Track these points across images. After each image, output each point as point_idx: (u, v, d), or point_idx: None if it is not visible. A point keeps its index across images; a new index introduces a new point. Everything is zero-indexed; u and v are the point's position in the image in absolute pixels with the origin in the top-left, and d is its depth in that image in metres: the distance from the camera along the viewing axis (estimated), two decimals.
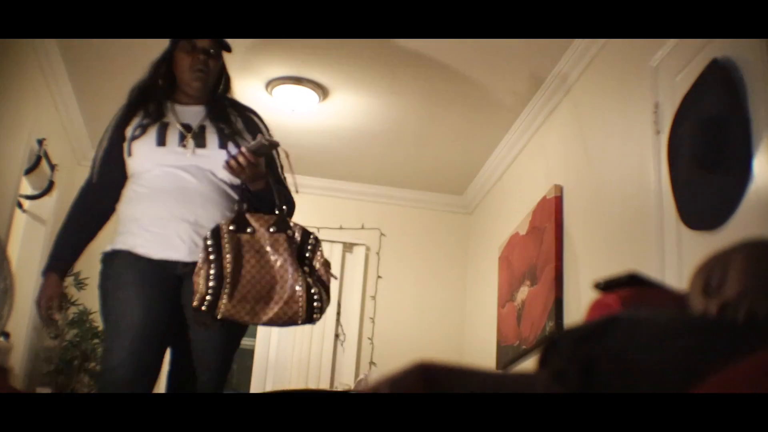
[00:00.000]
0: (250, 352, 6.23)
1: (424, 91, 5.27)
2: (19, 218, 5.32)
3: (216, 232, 2.90)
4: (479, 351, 5.79)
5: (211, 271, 2.84)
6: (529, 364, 4.48)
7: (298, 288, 2.87)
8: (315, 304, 2.89)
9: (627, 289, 1.59)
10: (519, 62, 4.86)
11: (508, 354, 5.12)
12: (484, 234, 6.27)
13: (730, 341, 1.28)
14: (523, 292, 4.98)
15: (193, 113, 3.13)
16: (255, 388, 5.91)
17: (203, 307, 2.83)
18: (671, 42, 3.56)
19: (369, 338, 6.26)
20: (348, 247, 6.45)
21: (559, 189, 4.68)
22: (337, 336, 6.17)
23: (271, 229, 2.94)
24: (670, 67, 3.57)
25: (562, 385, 1.36)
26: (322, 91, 5.33)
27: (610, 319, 1.39)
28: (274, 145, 2.95)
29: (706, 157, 3.17)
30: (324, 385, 5.91)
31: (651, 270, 3.45)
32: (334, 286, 6.35)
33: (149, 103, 3.12)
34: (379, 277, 6.46)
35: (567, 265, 4.47)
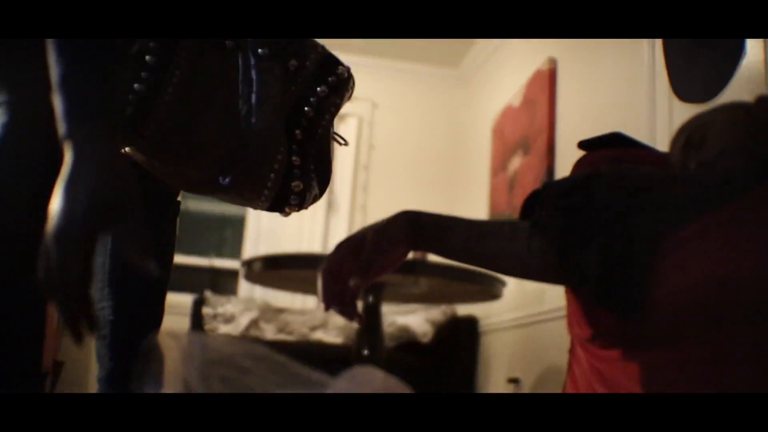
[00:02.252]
0: (240, 221, 6.31)
1: None
2: None
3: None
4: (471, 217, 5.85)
5: (136, 86, 1.55)
6: None
7: (274, 164, 1.70)
8: (291, 198, 1.75)
9: (611, 147, 1.63)
10: None
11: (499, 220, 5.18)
12: (477, 106, 6.29)
13: (706, 195, 1.33)
14: (516, 162, 5.03)
15: None
16: (248, 254, 5.99)
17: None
18: None
19: (361, 207, 6.33)
20: (340, 117, 6.41)
21: (553, 62, 4.69)
22: (329, 204, 6.24)
23: (260, 51, 1.69)
24: None
25: (543, 235, 1.42)
26: None
27: (593, 173, 1.44)
28: None
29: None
30: (316, 249, 6.00)
31: (641, 139, 3.49)
32: None
33: None
34: (372, 146, 6.50)
35: (559, 136, 4.51)
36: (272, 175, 1.68)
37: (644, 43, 3.63)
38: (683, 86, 3.30)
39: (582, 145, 1.66)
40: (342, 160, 6.32)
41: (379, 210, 6.34)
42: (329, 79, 1.77)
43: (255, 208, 1.77)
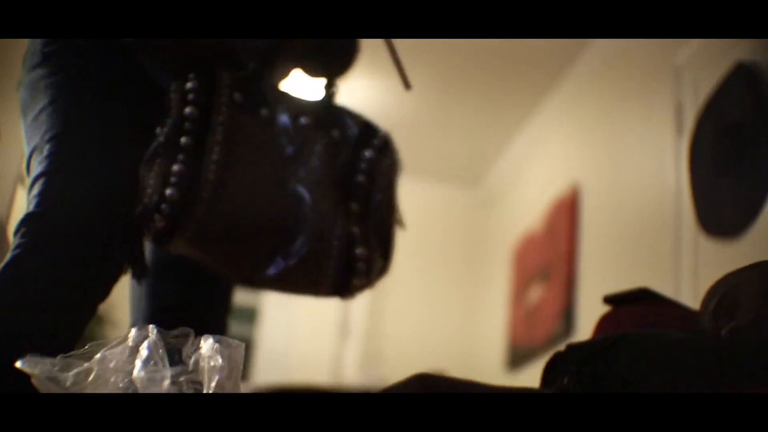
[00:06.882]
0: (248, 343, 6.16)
1: (440, 78, 5.17)
2: (22, 197, 5.22)
3: (208, 84, 1.55)
4: (488, 349, 5.72)
5: (176, 167, 1.50)
6: (538, 365, 4.39)
7: (333, 240, 1.59)
8: (355, 276, 1.63)
9: (638, 304, 1.53)
10: (539, 55, 4.77)
11: (517, 353, 5.04)
12: (497, 230, 6.18)
13: (738, 367, 1.22)
14: (536, 292, 4.90)
15: None
16: (257, 379, 5.82)
17: (147, 228, 1.51)
18: (695, 42, 3.47)
19: (376, 332, 6.16)
20: None
21: (576, 188, 4.59)
22: (341, 329, 6.07)
23: (302, 120, 1.63)
24: (693, 67, 3.49)
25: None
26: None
27: (617, 337, 1.33)
28: None
29: (728, 161, 3.10)
30: (326, 378, 5.80)
31: (666, 277, 3.37)
32: None
33: None
34: None
35: (582, 267, 4.38)
36: (335, 243, 1.59)
37: (670, 169, 3.53)
38: (710, 219, 3.19)
39: (608, 300, 1.54)
40: None
41: (396, 337, 6.19)
42: (373, 141, 1.70)
43: (315, 293, 1.69)
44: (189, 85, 1.54)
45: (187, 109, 1.52)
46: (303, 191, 1.58)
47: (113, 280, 1.51)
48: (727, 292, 1.36)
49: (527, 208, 5.50)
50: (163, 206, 1.49)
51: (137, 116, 1.56)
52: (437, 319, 6.24)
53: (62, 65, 1.56)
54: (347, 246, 1.61)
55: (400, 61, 1.66)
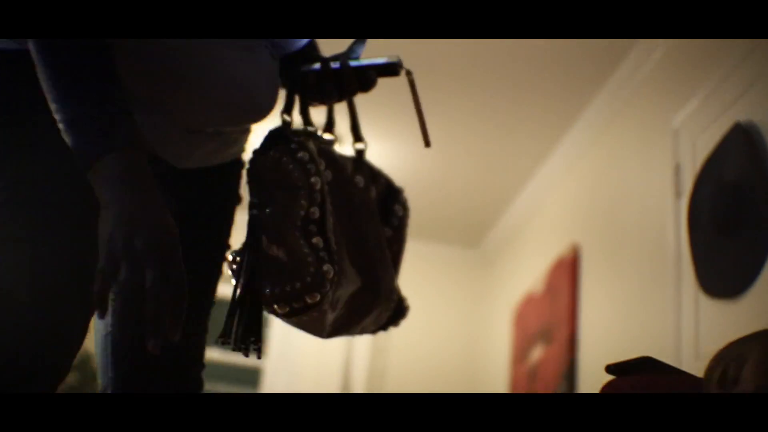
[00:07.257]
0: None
1: (440, 140, 5.18)
2: None
3: (310, 152, 1.54)
4: None
5: (315, 239, 1.48)
6: None
7: (394, 295, 1.67)
8: (395, 325, 1.73)
9: (640, 374, 1.52)
10: (538, 116, 4.79)
11: None
12: (498, 291, 6.18)
13: None
14: (537, 352, 4.88)
15: None
16: None
17: (281, 307, 1.45)
18: (693, 104, 3.49)
19: (378, 392, 6.13)
20: None
21: (576, 248, 4.60)
22: (344, 390, 6.05)
23: (357, 179, 1.67)
24: (691, 128, 3.50)
25: None
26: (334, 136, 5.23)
27: None
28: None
29: (727, 222, 3.10)
30: None
31: (667, 337, 3.36)
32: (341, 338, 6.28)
33: None
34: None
35: (583, 327, 4.37)
36: (395, 298, 1.66)
37: (670, 230, 3.53)
38: (710, 279, 3.19)
39: (610, 370, 1.54)
40: (358, 342, 6.17)
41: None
42: (400, 197, 1.77)
43: (359, 334, 1.71)
44: (301, 155, 1.51)
45: (312, 179, 1.50)
46: (373, 250, 1.62)
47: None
48: (730, 361, 1.35)
49: (527, 268, 5.50)
50: (325, 283, 1.45)
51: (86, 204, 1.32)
52: (439, 380, 6.20)
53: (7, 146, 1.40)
54: (400, 300, 1.70)
55: (424, 118, 1.70)
